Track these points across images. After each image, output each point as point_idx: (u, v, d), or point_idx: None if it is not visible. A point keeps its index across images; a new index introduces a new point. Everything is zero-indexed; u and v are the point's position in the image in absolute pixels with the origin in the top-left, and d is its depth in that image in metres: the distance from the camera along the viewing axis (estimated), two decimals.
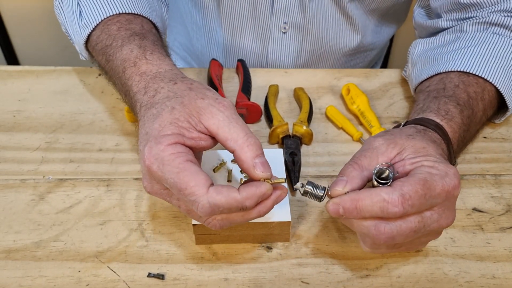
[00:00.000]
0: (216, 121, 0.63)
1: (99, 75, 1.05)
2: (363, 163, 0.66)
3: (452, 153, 0.75)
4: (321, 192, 0.66)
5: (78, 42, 0.88)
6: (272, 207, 0.64)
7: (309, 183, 0.66)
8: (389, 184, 0.63)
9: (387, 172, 0.63)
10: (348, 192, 0.63)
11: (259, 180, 0.62)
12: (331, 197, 0.65)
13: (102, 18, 0.84)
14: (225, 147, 0.64)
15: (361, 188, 0.65)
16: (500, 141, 0.97)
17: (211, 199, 0.59)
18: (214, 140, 0.66)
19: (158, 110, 0.64)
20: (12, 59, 1.83)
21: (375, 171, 0.64)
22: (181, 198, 0.61)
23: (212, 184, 0.60)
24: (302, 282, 0.76)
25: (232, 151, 0.63)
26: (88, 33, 0.85)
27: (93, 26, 0.84)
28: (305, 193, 0.67)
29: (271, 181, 0.63)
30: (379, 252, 0.68)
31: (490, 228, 0.83)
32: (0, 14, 1.69)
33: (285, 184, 0.67)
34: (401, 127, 0.77)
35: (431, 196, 0.60)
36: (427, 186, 0.60)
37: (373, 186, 0.64)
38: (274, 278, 0.76)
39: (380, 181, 0.63)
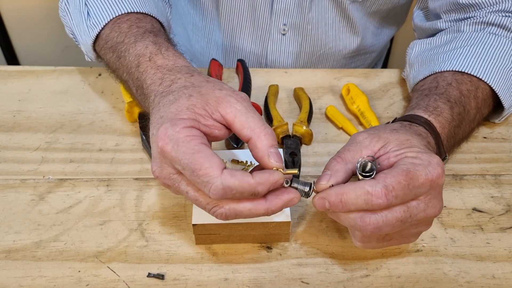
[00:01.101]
0: (233, 109, 0.63)
1: (99, 75, 1.05)
2: (346, 156, 0.67)
3: (441, 147, 0.76)
4: (307, 188, 0.66)
5: (86, 43, 0.88)
6: (281, 209, 0.64)
7: (294, 179, 0.66)
8: (373, 176, 0.63)
9: (369, 165, 0.64)
10: (333, 185, 0.64)
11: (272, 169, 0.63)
12: (317, 192, 0.66)
13: (111, 17, 0.84)
14: (240, 135, 0.64)
15: (345, 181, 0.65)
16: (500, 141, 0.97)
17: (225, 181, 0.59)
18: (227, 131, 0.66)
19: (175, 97, 0.65)
20: (12, 59, 1.83)
21: (358, 165, 0.64)
22: (193, 180, 0.60)
23: (225, 168, 0.61)
24: (302, 282, 0.76)
25: (247, 140, 0.63)
26: (97, 32, 0.85)
27: (102, 25, 0.84)
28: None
29: (283, 171, 0.63)
30: (370, 246, 0.68)
31: (490, 228, 0.83)
32: (0, 14, 1.69)
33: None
34: (389, 123, 0.78)
35: (414, 186, 0.61)
36: (410, 176, 0.61)
37: (358, 180, 0.65)
38: (274, 278, 0.76)
39: (363, 174, 0.64)
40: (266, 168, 0.63)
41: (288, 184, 0.65)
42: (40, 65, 1.09)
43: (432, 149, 0.72)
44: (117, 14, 0.85)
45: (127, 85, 0.81)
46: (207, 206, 0.63)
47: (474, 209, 0.85)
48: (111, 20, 0.84)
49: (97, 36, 0.86)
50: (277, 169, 0.63)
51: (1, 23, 1.73)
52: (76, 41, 0.94)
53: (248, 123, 0.63)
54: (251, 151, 0.64)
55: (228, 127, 0.65)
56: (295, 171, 0.65)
